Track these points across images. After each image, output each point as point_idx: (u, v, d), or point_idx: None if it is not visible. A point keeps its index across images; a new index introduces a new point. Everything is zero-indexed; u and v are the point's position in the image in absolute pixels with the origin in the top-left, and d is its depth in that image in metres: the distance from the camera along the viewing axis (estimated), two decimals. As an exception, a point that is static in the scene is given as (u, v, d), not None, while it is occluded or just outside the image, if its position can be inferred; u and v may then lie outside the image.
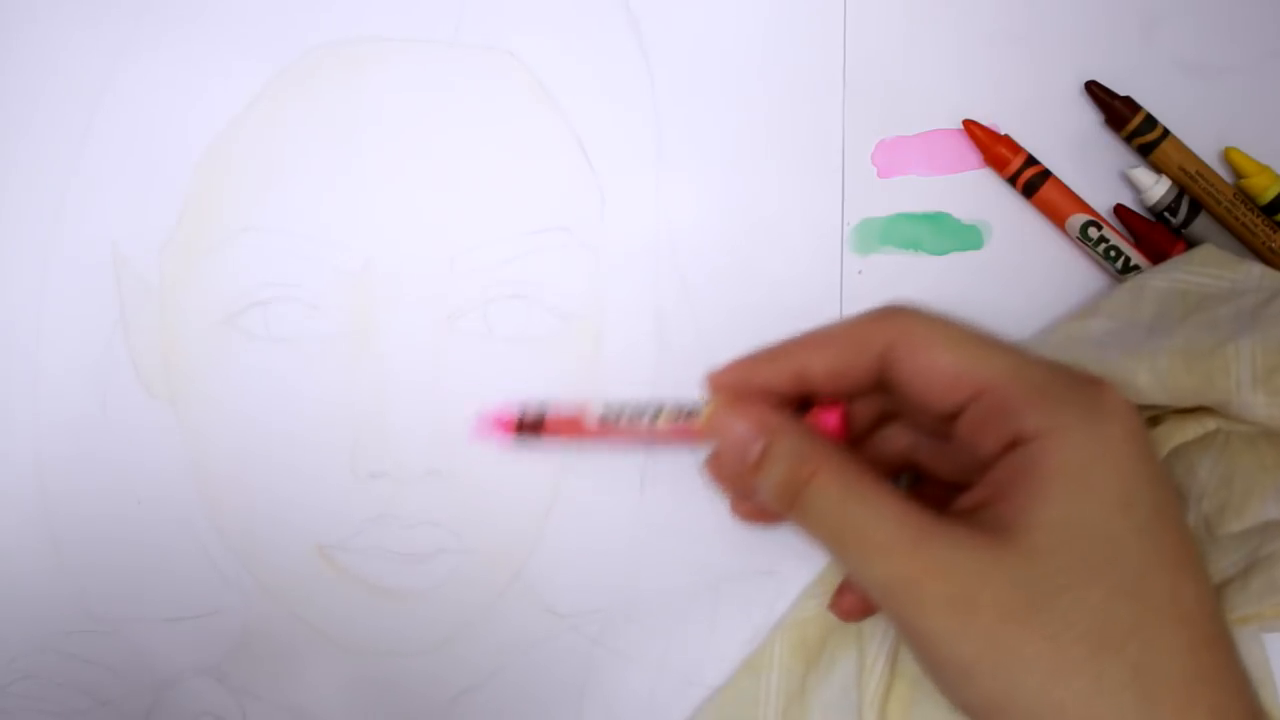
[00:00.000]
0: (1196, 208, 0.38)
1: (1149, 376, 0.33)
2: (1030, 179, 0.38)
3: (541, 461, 0.39)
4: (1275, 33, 0.39)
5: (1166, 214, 0.38)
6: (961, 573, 0.27)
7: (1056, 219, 0.38)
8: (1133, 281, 0.37)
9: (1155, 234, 0.38)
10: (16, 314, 0.39)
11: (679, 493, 0.39)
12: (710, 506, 0.39)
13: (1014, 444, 0.29)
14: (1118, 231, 0.38)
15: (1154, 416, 0.34)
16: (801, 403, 0.33)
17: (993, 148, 0.38)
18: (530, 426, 0.35)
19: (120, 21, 0.39)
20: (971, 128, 0.38)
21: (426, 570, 0.38)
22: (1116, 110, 0.38)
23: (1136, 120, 0.38)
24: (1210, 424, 0.33)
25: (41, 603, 0.39)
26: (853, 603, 0.34)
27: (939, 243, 0.39)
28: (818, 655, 0.38)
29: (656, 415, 0.34)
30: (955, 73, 0.39)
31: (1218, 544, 0.34)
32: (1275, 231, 0.38)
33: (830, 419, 0.32)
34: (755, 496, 0.31)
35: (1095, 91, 0.39)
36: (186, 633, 0.39)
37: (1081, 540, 0.27)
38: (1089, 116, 0.39)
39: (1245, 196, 0.38)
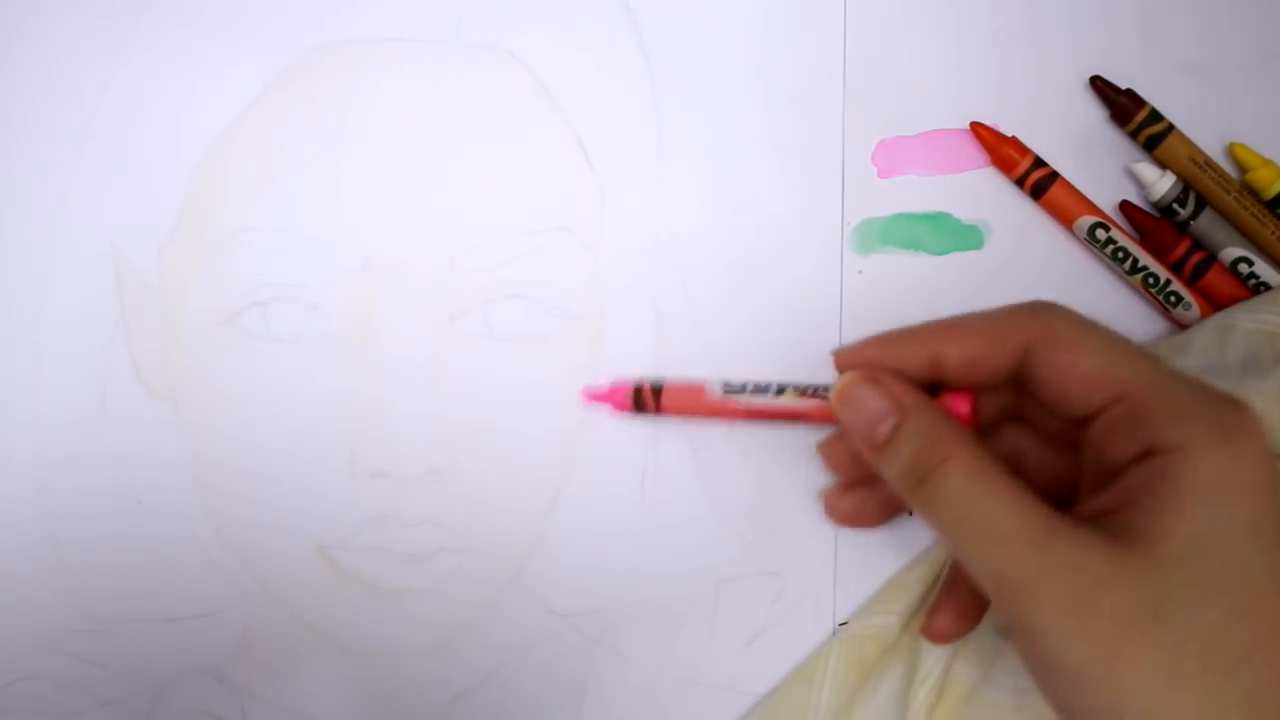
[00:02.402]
0: (1202, 202, 0.38)
1: None
2: (1038, 180, 0.38)
3: (541, 461, 0.39)
4: (1275, 33, 0.39)
5: (1175, 206, 0.38)
6: (1084, 574, 0.27)
7: (1064, 220, 0.38)
8: (1217, 321, 0.37)
9: (1160, 230, 0.38)
10: (16, 314, 0.39)
11: (679, 493, 0.39)
12: (710, 506, 0.39)
13: (1148, 453, 0.28)
14: (1125, 232, 0.38)
15: None
16: (930, 387, 0.32)
17: (1000, 149, 0.38)
18: (644, 400, 0.34)
19: (120, 21, 0.39)
20: (979, 130, 0.38)
21: (427, 570, 0.38)
22: (1121, 105, 0.38)
23: (1142, 114, 0.38)
24: None
25: (41, 603, 0.39)
26: (948, 624, 0.34)
27: (939, 243, 0.39)
28: (871, 671, 0.38)
29: (779, 391, 0.33)
30: (956, 72, 0.39)
31: None
32: (1280, 226, 0.38)
33: (961, 405, 0.31)
34: (881, 473, 0.31)
35: (1100, 86, 0.39)
36: (186, 633, 0.39)
37: (1209, 557, 0.27)
38: (1091, 114, 0.39)
39: (1250, 191, 0.38)
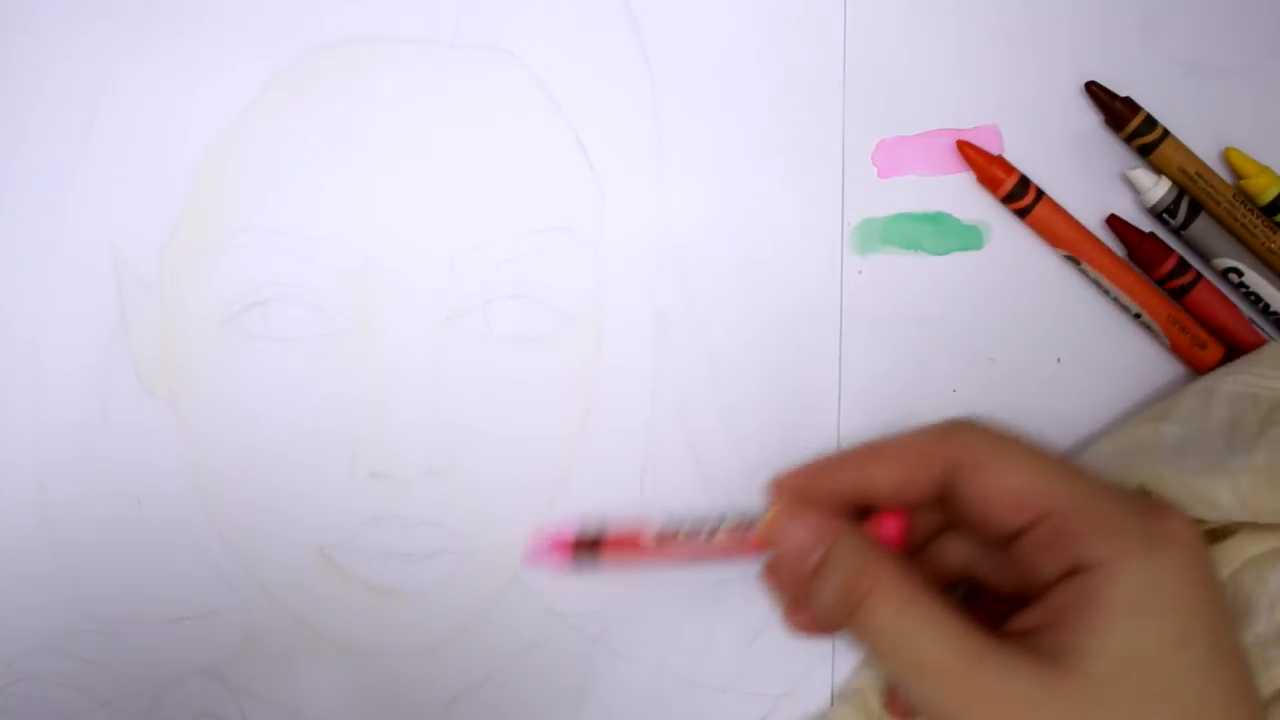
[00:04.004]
0: (1196, 209, 0.38)
1: (1230, 496, 0.33)
2: (1023, 206, 0.38)
3: (541, 461, 0.39)
4: (1275, 33, 0.39)
5: (1166, 215, 0.38)
6: (1015, 700, 0.27)
7: (1049, 241, 0.39)
8: (1202, 384, 0.37)
9: (1147, 244, 0.38)
10: (16, 315, 0.39)
11: (679, 493, 0.39)
12: (710, 507, 0.39)
13: (1073, 570, 0.29)
14: (1105, 254, 0.38)
15: (1226, 530, 0.34)
16: (862, 510, 0.33)
17: (986, 168, 0.38)
18: (587, 548, 0.35)
19: (120, 22, 0.39)
20: (965, 148, 0.38)
21: (426, 570, 0.38)
22: (1116, 111, 0.38)
23: (1136, 121, 0.38)
24: None
25: (42, 603, 0.39)
26: (908, 706, 0.35)
27: (939, 243, 0.39)
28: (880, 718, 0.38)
29: (715, 529, 0.34)
30: (955, 73, 0.39)
31: None
32: (1275, 232, 0.38)
33: (891, 527, 0.32)
34: (812, 605, 0.31)
35: (1095, 92, 0.39)
36: (186, 633, 0.39)
37: (1137, 673, 0.27)
38: (1089, 117, 0.39)
39: (1245, 197, 0.38)
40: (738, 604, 0.39)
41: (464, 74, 0.39)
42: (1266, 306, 0.38)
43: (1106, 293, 0.39)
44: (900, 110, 0.39)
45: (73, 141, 0.39)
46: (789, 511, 0.32)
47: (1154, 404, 0.38)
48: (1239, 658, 0.29)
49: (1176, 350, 0.38)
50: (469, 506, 0.38)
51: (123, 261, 0.39)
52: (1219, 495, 0.33)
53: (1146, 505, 0.30)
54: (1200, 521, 0.33)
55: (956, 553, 0.34)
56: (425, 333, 0.38)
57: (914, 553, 0.34)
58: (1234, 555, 0.34)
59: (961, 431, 0.31)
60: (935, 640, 0.28)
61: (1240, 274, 0.38)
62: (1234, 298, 0.39)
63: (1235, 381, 0.36)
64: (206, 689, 0.39)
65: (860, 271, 0.39)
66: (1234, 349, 0.39)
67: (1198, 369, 0.38)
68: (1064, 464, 0.30)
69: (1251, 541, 0.34)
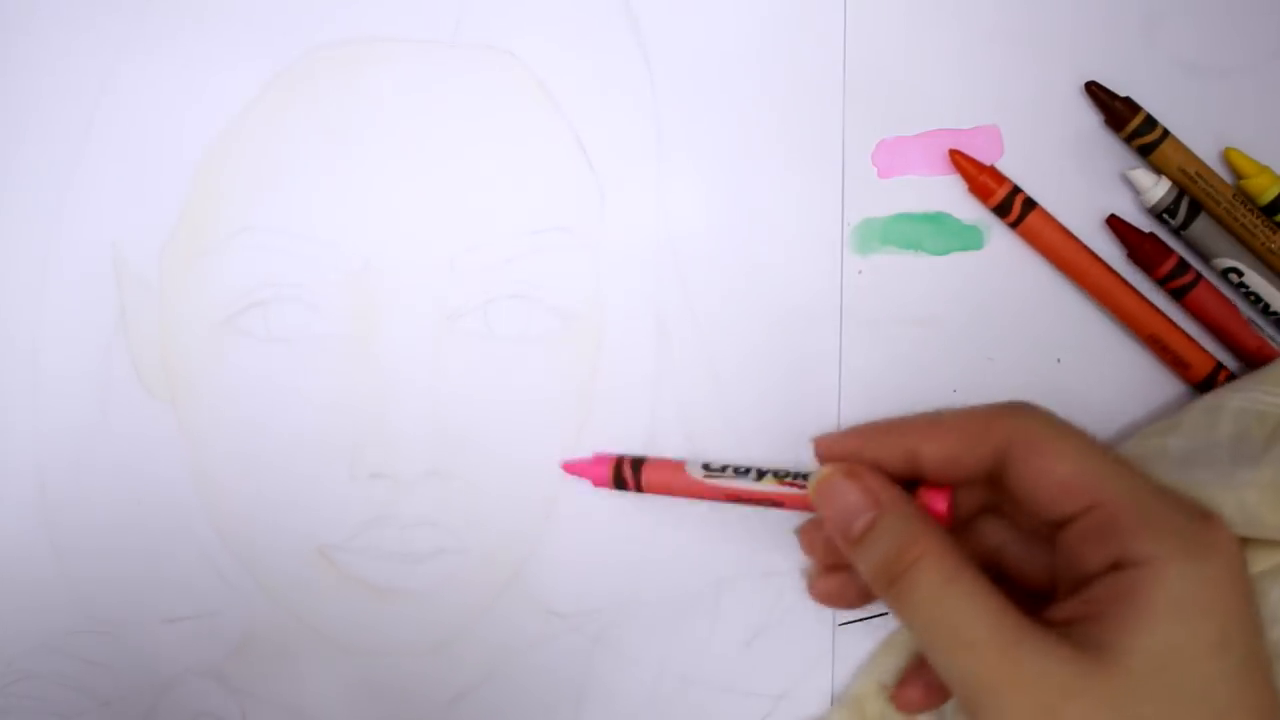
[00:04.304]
0: (1196, 209, 0.38)
1: (1236, 510, 0.33)
2: (1012, 221, 0.38)
3: (541, 461, 0.39)
4: (1275, 33, 0.39)
5: (1166, 215, 0.38)
6: (1049, 684, 0.27)
7: (1041, 252, 0.39)
8: (1209, 399, 0.37)
9: (1147, 245, 0.38)
10: (16, 315, 0.39)
11: (679, 493, 0.39)
12: (710, 507, 0.39)
13: (1118, 565, 0.29)
14: (1092, 268, 0.38)
15: None
16: (908, 482, 0.32)
17: (977, 178, 0.38)
18: (624, 475, 0.35)
19: (120, 22, 0.39)
20: (957, 157, 0.38)
21: (426, 571, 0.38)
22: (1116, 111, 0.38)
23: (1136, 121, 0.38)
24: None
25: (42, 603, 0.39)
26: (915, 697, 0.34)
27: (939, 243, 0.39)
28: None
29: (759, 476, 0.34)
30: (955, 73, 0.39)
31: None
32: (1275, 232, 0.38)
33: (939, 502, 0.32)
34: (854, 569, 0.31)
35: (1095, 92, 0.39)
36: (186, 633, 0.39)
37: (1174, 674, 0.27)
38: (1089, 117, 0.39)
39: (1245, 197, 0.38)
40: (738, 604, 0.39)
41: (464, 74, 0.39)
42: (1266, 306, 0.38)
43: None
44: (900, 110, 0.39)
45: (73, 141, 0.39)
46: (842, 471, 0.32)
47: (1161, 418, 0.38)
48: (1270, 670, 0.29)
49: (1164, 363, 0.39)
50: (469, 507, 0.38)
51: (123, 261, 0.39)
52: (1224, 509, 0.33)
53: (1194, 509, 0.30)
54: None
55: (990, 536, 0.34)
56: (425, 333, 0.38)
57: (952, 530, 0.33)
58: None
59: (1019, 413, 0.31)
60: (977, 616, 0.28)
61: (1240, 274, 0.38)
62: (1234, 298, 0.39)
63: (1242, 397, 0.36)
64: (206, 689, 0.39)
65: (860, 271, 0.39)
66: (1232, 350, 0.39)
67: (1188, 382, 0.39)
68: (1119, 458, 0.30)
69: (1256, 557, 0.34)
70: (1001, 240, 0.39)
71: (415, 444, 0.38)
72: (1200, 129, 0.39)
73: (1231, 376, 0.38)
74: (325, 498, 0.38)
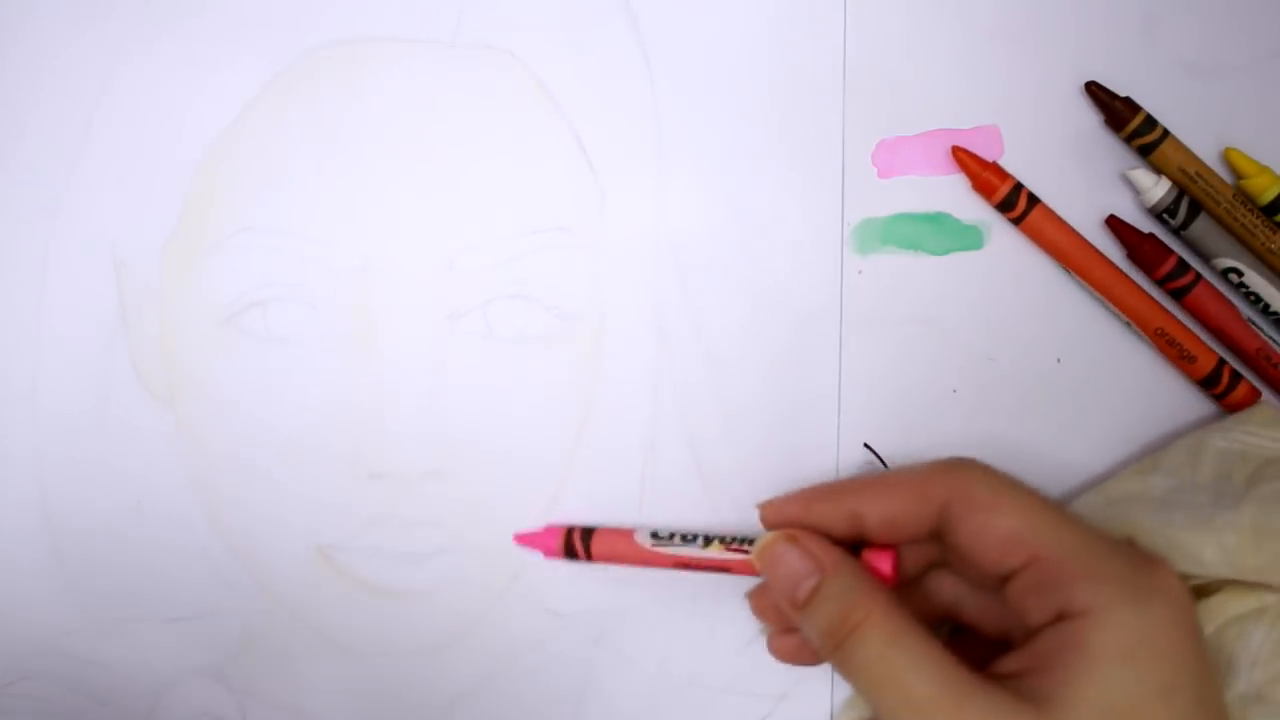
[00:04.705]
0: (1196, 209, 0.38)
1: (1216, 552, 0.33)
2: (1016, 216, 0.38)
3: (541, 461, 0.39)
4: (1276, 32, 0.39)
5: (1166, 215, 0.38)
6: None
7: (1044, 249, 0.39)
8: (1191, 438, 0.37)
9: (1146, 245, 0.38)
10: (16, 314, 0.39)
11: (679, 493, 0.39)
12: (710, 507, 0.39)
13: (1062, 616, 0.29)
14: (1096, 264, 0.38)
15: (1210, 587, 0.34)
16: (853, 544, 0.33)
17: (980, 175, 0.38)
18: (575, 546, 0.36)
19: (120, 21, 0.39)
20: (960, 154, 0.38)
21: (427, 571, 0.38)
22: (1116, 111, 0.38)
23: (1136, 121, 0.38)
24: (1268, 599, 0.34)
25: (41, 603, 0.39)
26: None
27: (939, 243, 0.39)
28: None
29: (708, 542, 0.34)
30: (955, 73, 0.39)
31: (1270, 712, 0.34)
32: (1275, 232, 0.38)
33: (883, 563, 0.32)
34: (802, 632, 0.32)
35: (1095, 92, 0.39)
36: (186, 633, 0.39)
37: None
38: (1089, 117, 0.39)
39: (1245, 197, 0.38)
40: (738, 604, 0.39)
41: (464, 74, 0.39)
42: (1266, 306, 0.38)
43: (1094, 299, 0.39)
44: (900, 110, 0.39)
45: (73, 141, 0.39)
46: (785, 537, 0.32)
47: (1144, 456, 0.38)
48: (1222, 713, 0.29)
49: (1167, 360, 0.39)
50: (469, 507, 0.38)
51: (123, 261, 0.39)
52: (1204, 552, 0.33)
53: (1136, 556, 0.30)
54: (1185, 577, 0.34)
55: (944, 590, 0.34)
56: (425, 333, 0.38)
57: (902, 587, 0.34)
58: (1217, 613, 0.34)
59: (959, 470, 0.32)
60: (922, 676, 0.29)
61: (1240, 274, 0.38)
62: (1234, 298, 0.39)
63: (1224, 438, 0.37)
64: (206, 689, 0.39)
65: (860, 271, 0.39)
66: (1232, 351, 0.38)
67: (1191, 378, 0.39)
68: (1058, 510, 0.31)
69: (1235, 600, 0.34)
70: (1002, 240, 0.39)
71: (415, 444, 0.38)
72: (1200, 129, 0.39)
73: (1235, 375, 0.38)
74: (325, 498, 0.38)
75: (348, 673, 0.39)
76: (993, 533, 0.30)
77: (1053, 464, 0.39)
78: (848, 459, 0.39)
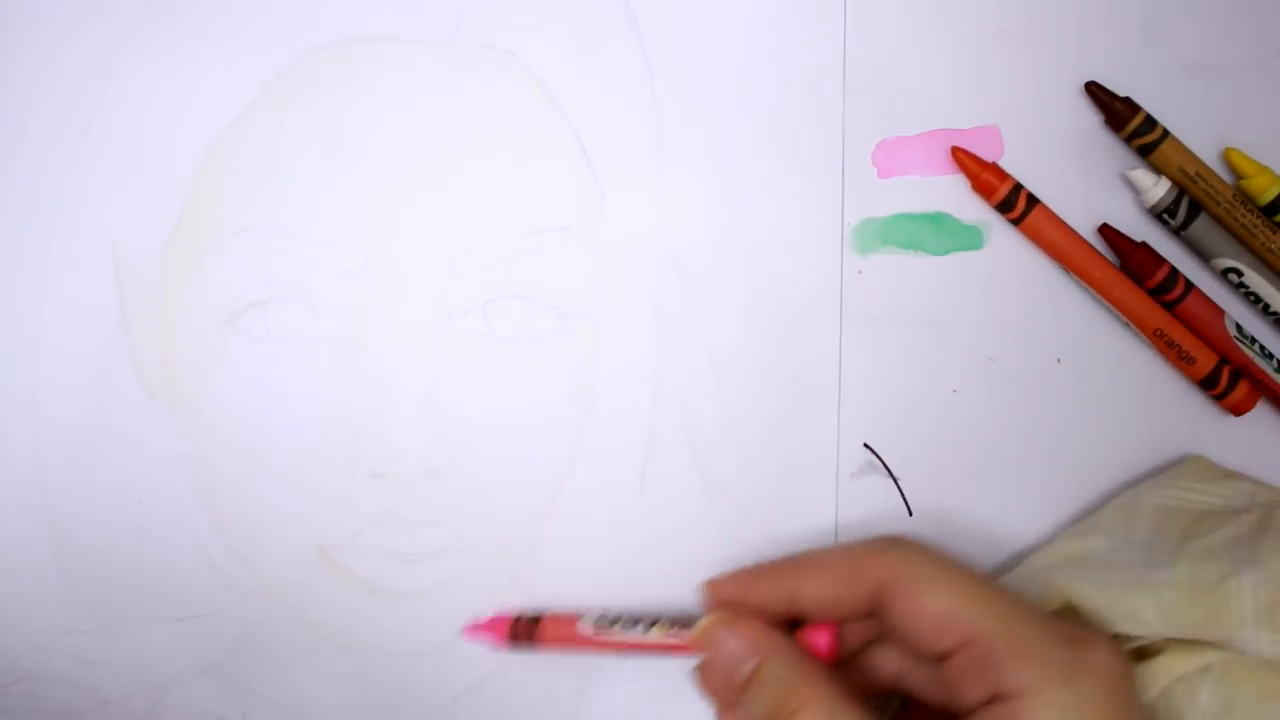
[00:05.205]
0: (1196, 209, 0.38)
1: (1154, 611, 0.33)
2: (1015, 217, 0.38)
3: (541, 461, 0.39)
4: (1275, 33, 0.39)
5: (1165, 215, 0.38)
6: None
7: (1043, 249, 0.39)
8: (1127, 497, 0.38)
9: (1139, 255, 0.38)
10: (16, 314, 0.39)
11: (679, 493, 0.39)
12: (710, 507, 0.39)
13: (996, 698, 0.29)
14: (1095, 265, 0.38)
15: (1155, 647, 0.35)
16: (794, 620, 0.33)
17: (980, 175, 0.38)
18: (523, 633, 0.36)
19: (120, 21, 0.39)
20: (959, 154, 0.38)
21: (427, 570, 0.38)
22: (1116, 111, 0.38)
23: (1136, 121, 0.38)
24: (1211, 656, 0.34)
25: (41, 602, 0.39)
26: None
27: (939, 243, 0.39)
28: None
29: (651, 625, 0.35)
30: (956, 73, 0.39)
31: None
32: (1275, 232, 0.38)
33: (821, 640, 0.33)
34: (741, 713, 0.32)
35: (1095, 92, 0.39)
36: (186, 633, 0.39)
37: None
38: (1089, 117, 0.39)
39: (1245, 197, 0.38)
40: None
41: (464, 74, 0.39)
42: (1267, 306, 0.38)
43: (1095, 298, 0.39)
44: (900, 110, 0.39)
45: (72, 141, 0.39)
46: (723, 621, 0.33)
47: (1081, 519, 0.38)
48: None
49: (1167, 361, 0.39)
50: (469, 506, 0.38)
51: (123, 261, 0.39)
52: (1143, 611, 0.33)
53: (1070, 633, 0.31)
54: (1127, 638, 0.34)
55: (887, 663, 0.34)
56: (425, 332, 0.38)
57: (846, 661, 0.34)
58: (1164, 673, 0.34)
59: (892, 550, 0.32)
60: None
61: (1240, 274, 0.38)
62: (1234, 298, 0.39)
63: (1159, 494, 0.37)
64: (206, 689, 0.39)
65: (860, 271, 0.39)
66: (1225, 362, 0.38)
67: (1190, 379, 0.39)
68: (991, 589, 0.31)
69: (1180, 659, 0.34)
70: (1002, 240, 0.39)
71: (415, 443, 0.38)
72: (1200, 129, 0.39)
73: (1234, 376, 0.38)
74: (325, 497, 0.38)
75: (348, 672, 0.39)
76: (926, 614, 0.31)
77: (1052, 464, 0.39)
78: (848, 459, 0.39)
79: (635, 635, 0.35)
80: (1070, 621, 0.33)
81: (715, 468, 0.39)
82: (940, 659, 0.31)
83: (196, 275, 0.38)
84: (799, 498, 0.39)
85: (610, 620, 0.35)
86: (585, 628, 0.35)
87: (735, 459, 0.39)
